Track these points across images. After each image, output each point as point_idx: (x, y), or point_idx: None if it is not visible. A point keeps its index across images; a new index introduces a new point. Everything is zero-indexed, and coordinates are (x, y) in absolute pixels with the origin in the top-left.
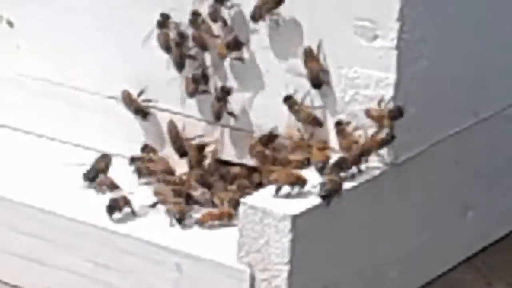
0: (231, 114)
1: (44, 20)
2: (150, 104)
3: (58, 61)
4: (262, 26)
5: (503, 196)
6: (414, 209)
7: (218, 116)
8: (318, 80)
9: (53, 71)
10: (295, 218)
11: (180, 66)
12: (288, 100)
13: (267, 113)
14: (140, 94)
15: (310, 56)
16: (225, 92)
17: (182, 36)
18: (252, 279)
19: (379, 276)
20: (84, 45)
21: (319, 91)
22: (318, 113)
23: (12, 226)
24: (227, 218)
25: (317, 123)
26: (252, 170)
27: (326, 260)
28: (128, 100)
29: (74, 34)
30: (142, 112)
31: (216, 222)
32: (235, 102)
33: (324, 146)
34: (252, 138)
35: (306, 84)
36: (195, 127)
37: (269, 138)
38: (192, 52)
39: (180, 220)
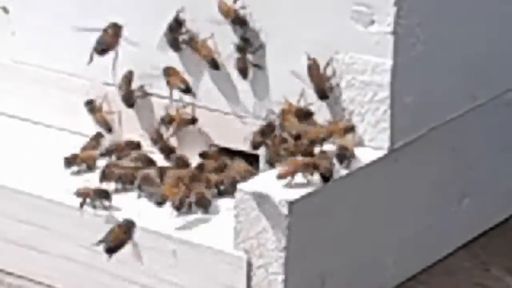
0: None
1: (39, 7)
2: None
3: (53, 47)
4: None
5: (500, 181)
6: (411, 195)
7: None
8: (325, 93)
9: (48, 58)
10: (292, 204)
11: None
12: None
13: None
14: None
15: (315, 70)
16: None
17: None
18: (249, 265)
19: (376, 262)
20: (80, 32)
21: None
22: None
23: (9, 213)
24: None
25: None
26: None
27: (323, 246)
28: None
29: (70, 20)
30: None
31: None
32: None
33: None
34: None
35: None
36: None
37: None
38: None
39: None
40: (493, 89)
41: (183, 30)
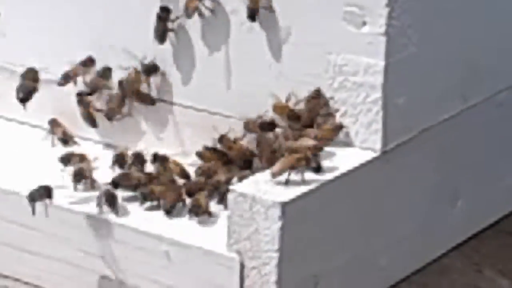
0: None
1: (30, 8)
2: None
3: (44, 49)
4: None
5: (493, 183)
6: (403, 196)
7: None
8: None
9: (39, 59)
10: (284, 205)
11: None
12: None
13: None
14: None
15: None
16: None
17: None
18: (242, 266)
19: (369, 263)
20: (72, 34)
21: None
22: None
23: (1, 215)
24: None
25: None
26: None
27: (316, 248)
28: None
29: (61, 22)
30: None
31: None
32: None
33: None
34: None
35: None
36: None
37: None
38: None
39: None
40: (485, 90)
41: (172, 17)
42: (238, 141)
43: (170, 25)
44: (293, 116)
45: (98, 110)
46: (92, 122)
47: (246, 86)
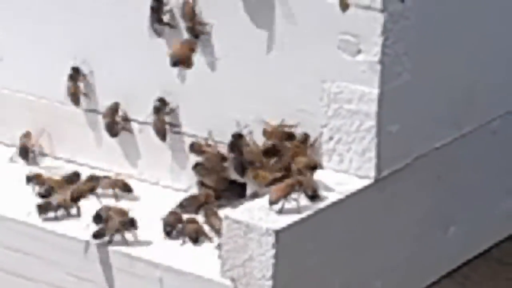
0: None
1: (27, 33)
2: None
3: (41, 74)
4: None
5: (485, 211)
6: (397, 223)
7: None
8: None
9: (36, 84)
10: (278, 233)
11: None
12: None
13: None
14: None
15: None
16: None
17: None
18: None
19: None
20: (68, 59)
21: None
22: None
23: None
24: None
25: None
26: None
27: (310, 275)
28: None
29: (58, 47)
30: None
31: None
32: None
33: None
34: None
35: (287, 97)
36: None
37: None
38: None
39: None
40: (479, 118)
41: (165, 9)
42: (210, 145)
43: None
44: (287, 137)
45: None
46: (76, 100)
47: (239, 112)
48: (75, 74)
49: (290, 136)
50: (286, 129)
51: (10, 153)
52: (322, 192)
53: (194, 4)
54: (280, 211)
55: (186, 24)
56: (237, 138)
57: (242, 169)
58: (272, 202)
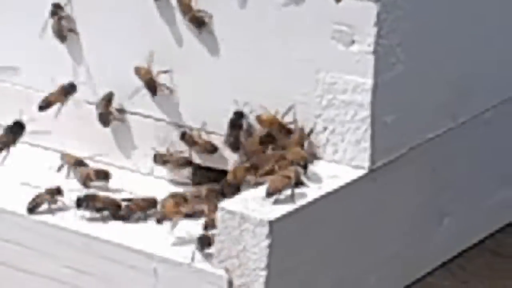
0: None
1: (22, 26)
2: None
3: (37, 67)
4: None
5: (479, 201)
6: (391, 214)
7: None
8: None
9: (32, 78)
10: (272, 223)
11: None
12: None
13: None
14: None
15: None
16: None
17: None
18: (230, 284)
19: (357, 282)
20: (63, 51)
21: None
22: None
23: None
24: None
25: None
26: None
27: (304, 266)
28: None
29: (53, 40)
30: None
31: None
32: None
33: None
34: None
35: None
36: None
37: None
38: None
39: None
40: (473, 108)
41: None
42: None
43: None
44: (283, 129)
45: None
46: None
47: (233, 103)
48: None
49: (288, 131)
50: (284, 122)
51: None
52: (316, 182)
53: None
54: (275, 201)
55: (187, 16)
56: (239, 116)
57: (237, 147)
58: (270, 194)
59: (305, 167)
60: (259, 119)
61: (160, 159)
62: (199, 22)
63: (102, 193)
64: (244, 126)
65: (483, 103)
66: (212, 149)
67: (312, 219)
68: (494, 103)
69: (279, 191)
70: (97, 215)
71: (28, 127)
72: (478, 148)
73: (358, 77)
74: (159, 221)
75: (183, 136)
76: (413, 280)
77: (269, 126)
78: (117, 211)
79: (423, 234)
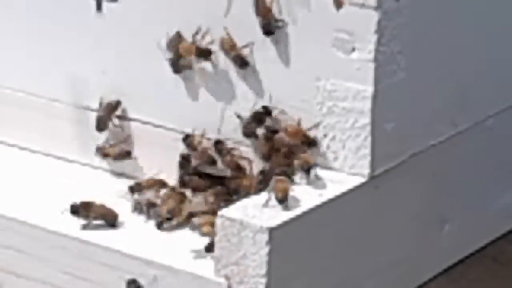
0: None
1: (19, 29)
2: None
3: (33, 71)
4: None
5: (480, 208)
6: (391, 221)
7: None
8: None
9: (29, 82)
10: (272, 230)
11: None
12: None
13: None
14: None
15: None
16: None
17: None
18: None
19: (357, 287)
20: (60, 55)
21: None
22: None
23: None
24: None
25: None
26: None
27: (303, 272)
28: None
29: (50, 43)
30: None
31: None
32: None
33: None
34: None
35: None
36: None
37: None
38: None
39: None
40: (474, 115)
41: None
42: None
43: None
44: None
45: None
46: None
47: (233, 110)
48: None
49: (311, 142)
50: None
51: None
52: (316, 189)
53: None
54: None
55: (262, 21)
56: (265, 112)
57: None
58: (281, 201)
59: (308, 172)
60: (286, 131)
61: (191, 143)
62: (269, 31)
63: (97, 202)
64: (266, 123)
65: (484, 110)
66: (210, 161)
67: (312, 226)
68: (496, 110)
69: (288, 196)
70: (93, 223)
71: None
72: (479, 155)
73: (358, 85)
74: (159, 226)
75: (186, 140)
76: (414, 287)
77: (294, 138)
78: (113, 221)
79: (424, 241)
